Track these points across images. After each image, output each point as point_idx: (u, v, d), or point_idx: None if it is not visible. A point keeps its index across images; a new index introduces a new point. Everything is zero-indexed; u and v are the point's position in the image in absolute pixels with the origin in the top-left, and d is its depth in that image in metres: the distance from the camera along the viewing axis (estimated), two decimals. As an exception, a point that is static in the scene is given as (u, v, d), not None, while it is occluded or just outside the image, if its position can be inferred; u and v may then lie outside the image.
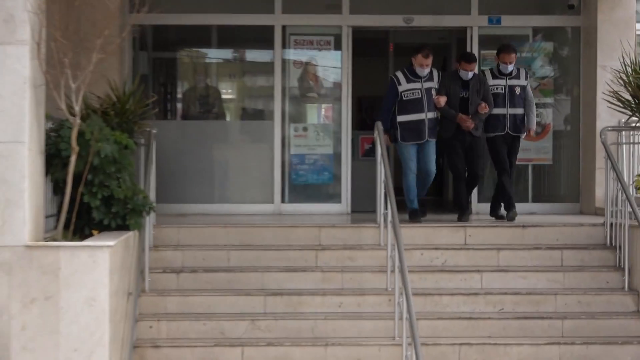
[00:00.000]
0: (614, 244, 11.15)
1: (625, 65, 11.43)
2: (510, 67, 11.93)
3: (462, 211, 12.12)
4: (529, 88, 12.27)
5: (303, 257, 11.03)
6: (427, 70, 11.65)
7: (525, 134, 12.34)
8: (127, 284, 9.34)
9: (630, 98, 11.20)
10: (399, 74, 11.72)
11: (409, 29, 14.88)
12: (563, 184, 13.56)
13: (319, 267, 10.90)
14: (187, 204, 13.06)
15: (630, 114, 11.32)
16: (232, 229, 11.45)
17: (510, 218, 11.98)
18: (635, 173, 11.27)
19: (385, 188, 10.91)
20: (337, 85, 14.11)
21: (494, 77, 12.08)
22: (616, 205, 11.16)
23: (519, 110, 11.99)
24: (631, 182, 11.06)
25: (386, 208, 10.70)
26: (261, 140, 13.64)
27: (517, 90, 11.95)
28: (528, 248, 11.17)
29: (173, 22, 13.88)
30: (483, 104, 11.56)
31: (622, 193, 10.86)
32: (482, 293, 10.69)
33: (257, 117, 14.00)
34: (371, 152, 13.12)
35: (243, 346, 9.92)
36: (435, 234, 11.37)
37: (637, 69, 11.11)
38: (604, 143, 11.66)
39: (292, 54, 14.16)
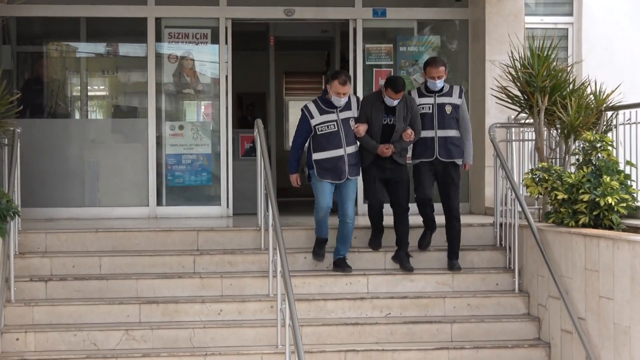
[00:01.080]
0: (503, 245, 11.38)
1: (513, 59, 11.63)
2: (440, 83, 10.64)
3: (373, 233, 11.20)
4: (463, 107, 10.92)
5: (180, 263, 11.00)
6: (344, 100, 10.25)
7: (461, 163, 10.97)
8: (-9, 294, 9.24)
9: (519, 94, 11.41)
10: (311, 106, 10.37)
11: (291, 22, 14.65)
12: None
13: (197, 273, 10.90)
14: (55, 207, 12.88)
15: (519, 110, 11.53)
16: (103, 234, 11.33)
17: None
18: (525, 171, 11.42)
19: (266, 189, 10.95)
20: (216, 81, 13.93)
21: (421, 95, 10.76)
22: (506, 204, 11.36)
23: (451, 132, 10.56)
24: (521, 181, 11.24)
25: (267, 210, 10.73)
26: (135, 140, 13.54)
27: (448, 109, 10.58)
28: (415, 250, 11.27)
29: (39, 14, 13.57)
30: (409, 131, 10.40)
31: (511, 192, 11.08)
32: (369, 297, 10.79)
33: (130, 115, 13.86)
34: (252, 152, 13.05)
35: (117, 358, 9.89)
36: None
37: (526, 64, 11.29)
38: (492, 140, 11.87)
39: (167, 48, 13.87)
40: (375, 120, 10.41)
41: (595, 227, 9.97)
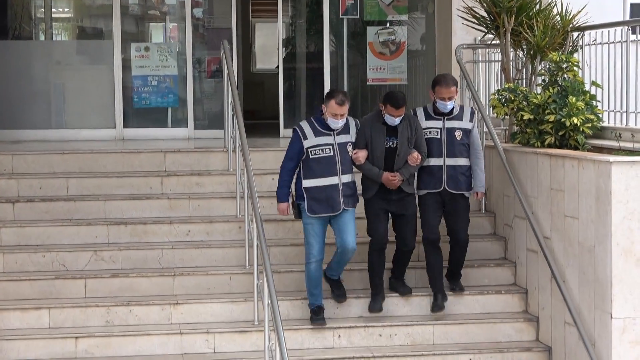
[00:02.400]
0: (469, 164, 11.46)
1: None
2: (451, 105, 9.26)
3: (373, 297, 9.63)
4: (475, 132, 9.63)
5: (148, 184, 11.12)
6: (342, 122, 8.79)
7: (470, 194, 9.80)
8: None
9: (485, 14, 11.42)
10: (304, 125, 8.92)
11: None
12: (419, 104, 13.73)
13: (165, 194, 11.01)
14: (21, 130, 12.87)
15: (486, 31, 11.56)
16: (70, 156, 11.41)
17: (440, 308, 9.73)
18: (491, 92, 11.48)
19: (233, 110, 10.98)
20: (181, 3, 13.71)
21: (428, 117, 9.30)
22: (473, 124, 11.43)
23: (461, 161, 9.27)
24: (487, 102, 11.32)
25: (234, 131, 10.78)
26: (100, 62, 13.52)
27: (458, 135, 9.23)
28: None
29: None
30: (415, 154, 8.96)
31: (478, 113, 11.13)
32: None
33: (95, 37, 13.76)
34: (218, 73, 13.03)
35: (86, 278, 10.00)
36: (274, 156, 11.43)
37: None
38: (459, 62, 11.93)
39: (131, -32, 13.65)
40: (376, 144, 8.94)
41: (560, 147, 10.07)
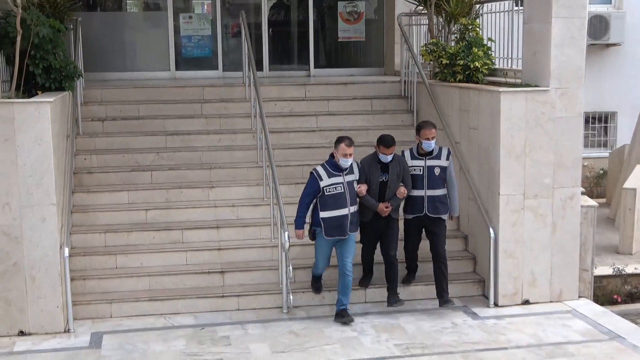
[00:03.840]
0: (406, 95, 11.49)
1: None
2: (432, 144, 8.43)
3: (364, 274, 8.96)
4: (450, 168, 8.68)
5: (192, 108, 11.04)
6: (350, 161, 8.09)
7: (446, 217, 8.80)
8: (65, 129, 9.27)
9: (418, -7, 11.36)
10: (320, 169, 8.06)
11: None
12: (373, 54, 13.68)
13: (204, 115, 10.97)
14: (107, 72, 12.77)
15: (417, 3, 11.45)
16: (141, 89, 11.32)
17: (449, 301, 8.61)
18: (421, 45, 11.42)
19: (247, 58, 10.93)
20: None
21: (413, 157, 8.48)
22: (408, 68, 11.42)
23: (438, 192, 8.44)
24: (418, 52, 11.23)
25: (250, 72, 10.72)
26: (159, 26, 13.31)
27: (437, 172, 8.42)
28: (349, 99, 11.40)
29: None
30: (402, 189, 8.31)
31: (412, 60, 11.10)
32: (318, 130, 10.93)
33: (156, 9, 13.52)
34: (238, 34, 12.80)
35: (152, 170, 10.03)
36: (284, 90, 11.43)
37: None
38: (400, 25, 11.85)
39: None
40: (373, 179, 8.26)
41: (467, 82, 10.04)
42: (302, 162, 10.28)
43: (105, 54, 12.97)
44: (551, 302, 8.92)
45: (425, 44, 11.10)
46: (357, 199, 8.23)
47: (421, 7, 11.42)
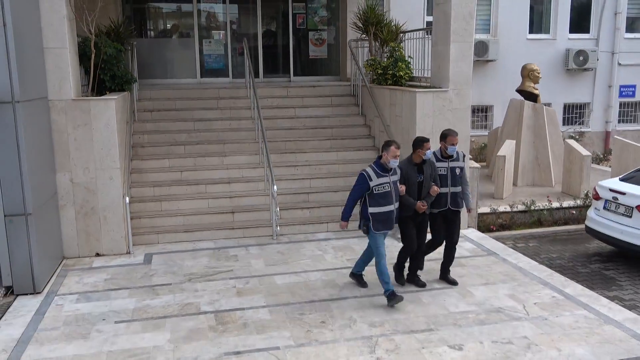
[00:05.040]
0: (354, 94, 11.29)
1: (360, 12, 11.13)
2: (456, 148, 6.91)
3: (400, 271, 7.07)
4: (465, 168, 7.23)
5: (210, 103, 10.75)
6: (398, 162, 6.46)
7: (463, 208, 7.17)
8: (126, 117, 9.04)
9: (362, 25, 11.07)
10: (369, 170, 6.39)
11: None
12: (332, 67, 13.40)
13: (219, 108, 10.69)
14: (154, 79, 12.43)
15: (361, 32, 11.21)
16: (177, 90, 10.99)
17: (453, 282, 7.02)
18: (364, 60, 11.21)
19: (248, 69, 10.69)
20: (225, 22, 13.02)
21: (438, 160, 6.89)
22: (355, 76, 11.23)
23: (458, 189, 6.95)
24: (362, 65, 11.03)
25: (250, 79, 10.48)
26: (189, 48, 12.91)
27: (457, 171, 6.95)
28: (316, 96, 11.19)
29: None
30: (435, 187, 6.69)
31: (358, 71, 10.93)
32: (295, 117, 10.75)
33: (186, 36, 13.04)
34: (242, 54, 12.43)
35: (184, 145, 9.78)
36: (273, 90, 11.14)
37: (365, 12, 10.94)
38: (350, 47, 11.67)
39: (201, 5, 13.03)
40: (412, 179, 6.64)
41: (395, 85, 9.88)
42: (285, 139, 10.13)
43: (152, 66, 12.60)
44: (449, 230, 8.92)
45: (367, 60, 10.89)
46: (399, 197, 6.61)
47: (364, 35, 11.19)
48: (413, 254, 6.87)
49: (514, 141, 11.25)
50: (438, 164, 6.81)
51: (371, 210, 6.31)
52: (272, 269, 7.33)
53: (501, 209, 9.72)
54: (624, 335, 5.52)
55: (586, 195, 10.11)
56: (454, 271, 7.16)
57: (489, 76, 14.24)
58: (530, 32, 14.59)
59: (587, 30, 14.99)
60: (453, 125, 8.67)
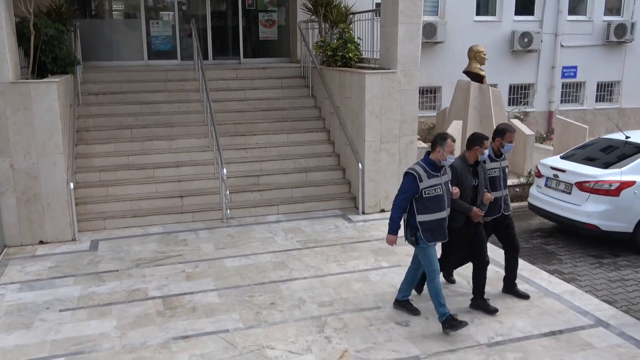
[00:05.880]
0: (304, 76, 11.20)
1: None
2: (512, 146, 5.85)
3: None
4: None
5: (158, 86, 10.49)
6: (454, 158, 5.27)
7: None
8: (69, 100, 8.76)
9: (311, 7, 10.98)
10: (419, 169, 5.08)
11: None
12: (283, 48, 13.23)
13: (167, 90, 10.44)
14: (99, 61, 12.02)
15: (311, 14, 11.11)
16: (123, 73, 10.66)
17: (524, 295, 5.95)
18: (314, 42, 11.12)
19: (197, 51, 10.46)
20: (173, 2, 12.58)
21: (491, 159, 5.71)
22: (305, 58, 11.14)
23: (507, 191, 5.90)
24: (312, 47, 10.95)
25: (198, 60, 10.27)
26: (136, 29, 12.50)
27: (506, 172, 5.89)
28: (266, 78, 11.05)
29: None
30: (488, 195, 5.55)
31: (308, 52, 10.84)
32: (245, 99, 10.60)
33: (133, 17, 12.62)
34: (190, 35, 12.07)
35: (131, 128, 9.56)
36: (223, 73, 10.92)
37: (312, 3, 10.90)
38: (299, 29, 11.55)
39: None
40: (466, 183, 5.42)
41: (344, 67, 9.86)
42: (235, 122, 10.01)
43: (97, 48, 12.17)
44: (398, 210, 9.02)
45: (317, 42, 10.82)
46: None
47: (314, 17, 11.10)
48: (479, 272, 5.63)
49: (461, 121, 11.43)
50: (491, 165, 5.71)
51: (420, 218, 5.12)
52: (222, 252, 7.27)
53: (449, 188, 9.88)
54: (563, 307, 5.71)
55: (529, 173, 10.37)
56: (402, 249, 7.25)
57: (437, 58, 14.37)
58: (477, 14, 14.78)
59: (531, 13, 15.28)
60: (401, 106, 8.76)
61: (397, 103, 8.73)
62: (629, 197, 7.49)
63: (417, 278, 5.67)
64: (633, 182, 7.50)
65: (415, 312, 5.63)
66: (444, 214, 5.17)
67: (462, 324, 5.15)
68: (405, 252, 7.20)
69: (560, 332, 5.22)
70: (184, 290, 6.14)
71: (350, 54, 9.88)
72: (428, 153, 5.20)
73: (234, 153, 9.50)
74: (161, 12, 12.80)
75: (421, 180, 5.06)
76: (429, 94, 14.83)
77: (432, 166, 5.12)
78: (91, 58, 11.79)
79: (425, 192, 5.06)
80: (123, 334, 5.23)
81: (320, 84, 10.35)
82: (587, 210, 7.62)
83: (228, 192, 8.34)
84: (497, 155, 5.79)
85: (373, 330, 5.26)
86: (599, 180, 7.60)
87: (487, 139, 5.47)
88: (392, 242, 5.25)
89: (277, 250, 7.33)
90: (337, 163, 9.76)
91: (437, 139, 5.13)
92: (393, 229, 5.21)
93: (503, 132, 5.73)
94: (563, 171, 8.00)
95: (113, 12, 12.93)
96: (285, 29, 13.32)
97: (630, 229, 7.56)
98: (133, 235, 7.91)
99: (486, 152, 5.46)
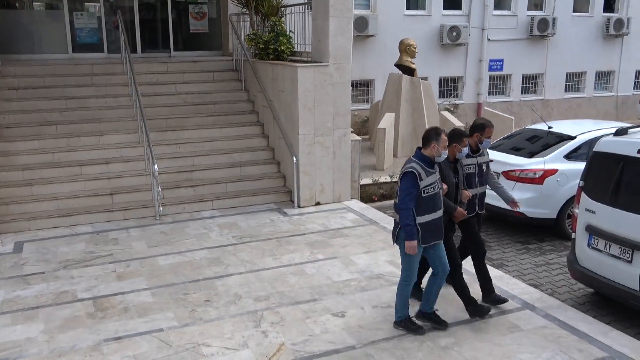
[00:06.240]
0: (237, 69, 11.08)
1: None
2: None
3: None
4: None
5: (84, 80, 10.09)
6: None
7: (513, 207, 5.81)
8: (-14, 96, 8.30)
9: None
10: (418, 167, 4.75)
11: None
12: (214, 41, 13.02)
13: (94, 84, 10.07)
14: (18, 54, 11.41)
15: (242, 6, 10.98)
16: (46, 67, 10.21)
17: (503, 300, 5.63)
18: (246, 34, 11.02)
19: (124, 44, 10.13)
20: None
21: (467, 155, 5.42)
22: (237, 51, 11.02)
23: (484, 188, 5.66)
24: (244, 39, 10.85)
25: (126, 54, 9.96)
26: (59, 20, 11.97)
27: (484, 168, 5.63)
28: (198, 71, 10.85)
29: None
30: (466, 193, 5.36)
31: (239, 45, 10.72)
32: (176, 94, 10.37)
33: (55, 8, 12.10)
34: (117, 27, 11.70)
35: (56, 125, 9.18)
36: (152, 66, 10.62)
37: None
38: (231, 21, 11.42)
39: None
40: (449, 181, 5.16)
41: (276, 60, 9.81)
42: (166, 116, 9.79)
43: (16, 40, 11.58)
44: (334, 202, 9.10)
45: (248, 35, 10.73)
46: None
47: (245, 9, 10.98)
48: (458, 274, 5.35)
49: (393, 114, 11.64)
50: (466, 161, 5.48)
51: (420, 219, 4.81)
52: (154, 250, 7.11)
53: (382, 179, 10.05)
54: (492, 292, 5.92)
55: (460, 163, 10.71)
56: (338, 241, 7.33)
57: (369, 51, 14.55)
58: (408, 8, 15.05)
59: (459, 7, 15.70)
60: (334, 99, 8.82)
61: (330, 96, 8.78)
62: (552, 184, 7.84)
63: (439, 284, 5.16)
64: (555, 170, 7.86)
65: (443, 324, 5.22)
66: (441, 212, 4.94)
67: (421, 330, 5.09)
68: (339, 244, 7.27)
69: (490, 316, 5.40)
70: (115, 291, 5.97)
71: (283, 47, 9.85)
72: (419, 149, 4.92)
73: (165, 148, 9.30)
74: (86, 4, 12.32)
75: (421, 179, 4.77)
76: (362, 87, 14.99)
77: (427, 163, 4.85)
78: (10, 51, 11.22)
79: (424, 191, 4.79)
80: (51, 338, 5.03)
81: (252, 78, 10.26)
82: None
83: (160, 188, 8.16)
84: (474, 151, 5.52)
85: (309, 323, 5.28)
86: (524, 169, 7.92)
87: (466, 136, 5.25)
88: (414, 250, 4.83)
89: (212, 246, 7.24)
90: (271, 157, 9.72)
91: (431, 133, 4.86)
92: (412, 234, 4.80)
93: (482, 127, 5.44)
94: (490, 161, 8.24)
95: (33, 3, 12.34)
96: (216, 22, 13.12)
97: (554, 215, 7.92)
98: (60, 236, 7.61)
99: (465, 149, 5.21)
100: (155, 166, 8.05)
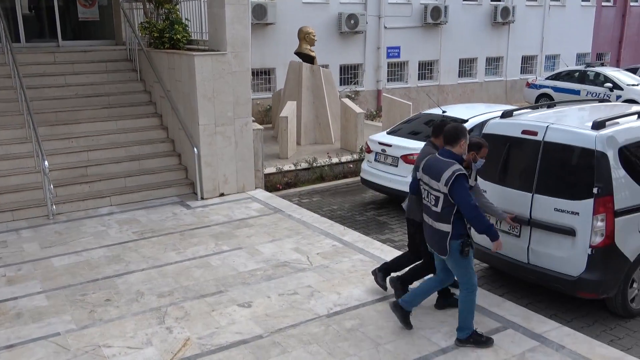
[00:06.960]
0: (131, 59, 10.69)
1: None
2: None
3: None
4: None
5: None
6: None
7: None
8: None
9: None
10: (462, 168, 4.43)
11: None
12: (106, 30, 12.25)
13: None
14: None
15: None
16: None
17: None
18: (139, 23, 10.62)
19: (4, 32, 9.44)
20: None
21: None
22: (131, 40, 10.57)
23: None
24: (137, 29, 10.44)
25: (7, 43, 9.28)
26: None
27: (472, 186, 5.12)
28: (89, 62, 10.34)
29: None
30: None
31: (133, 34, 10.30)
32: (66, 85, 9.86)
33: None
34: None
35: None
36: (38, 57, 9.99)
37: None
38: (122, 9, 11.00)
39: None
40: None
41: (172, 49, 9.55)
42: (55, 109, 9.30)
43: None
44: (238, 192, 9.03)
45: (142, 23, 10.36)
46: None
47: (141, 5, 10.59)
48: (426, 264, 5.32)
49: (295, 102, 11.69)
50: None
51: (468, 224, 4.52)
52: (48, 251, 6.75)
53: (286, 168, 10.09)
54: (394, 273, 6.12)
55: (361, 149, 10.94)
56: (243, 232, 7.30)
57: (269, 39, 14.51)
58: (306, -4, 15.15)
59: (356, -5, 16.00)
60: (234, 88, 8.72)
61: (230, 85, 8.68)
62: (447, 166, 8.19)
63: (431, 288, 5.01)
64: (450, 153, 8.20)
65: (408, 324, 4.99)
66: None
67: (489, 341, 4.71)
68: (245, 234, 7.25)
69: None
70: (5, 296, 5.62)
71: (178, 36, 9.60)
72: (448, 151, 4.57)
73: (57, 143, 8.82)
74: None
75: (468, 182, 4.46)
76: (263, 76, 14.95)
77: (461, 162, 4.54)
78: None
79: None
80: None
81: (148, 67, 9.93)
82: (412, 180, 8.21)
83: (52, 186, 7.74)
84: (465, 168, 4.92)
85: (215, 315, 5.24)
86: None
87: (487, 147, 4.96)
88: (500, 247, 4.62)
89: (111, 243, 6.98)
90: (172, 149, 9.48)
91: (459, 130, 4.57)
92: (495, 233, 4.52)
93: (479, 146, 4.98)
94: (390, 146, 8.53)
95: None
96: (107, 9, 12.52)
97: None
98: (-60, 242, 7.06)
99: (481, 161, 4.91)
100: (46, 162, 7.62)
